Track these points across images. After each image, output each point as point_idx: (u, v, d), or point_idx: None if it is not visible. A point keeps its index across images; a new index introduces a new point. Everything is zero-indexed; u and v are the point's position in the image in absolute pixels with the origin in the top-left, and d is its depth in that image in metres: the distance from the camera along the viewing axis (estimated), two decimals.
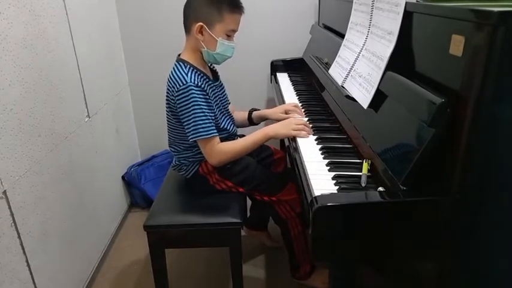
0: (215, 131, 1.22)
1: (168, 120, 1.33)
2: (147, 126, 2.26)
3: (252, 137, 1.28)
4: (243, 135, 1.38)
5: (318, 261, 1.49)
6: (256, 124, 1.58)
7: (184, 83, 1.19)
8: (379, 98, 1.01)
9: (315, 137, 1.23)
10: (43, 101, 1.28)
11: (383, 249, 0.87)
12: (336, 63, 1.35)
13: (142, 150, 2.31)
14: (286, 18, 2.05)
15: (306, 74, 1.93)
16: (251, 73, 2.13)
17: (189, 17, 1.24)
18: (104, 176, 1.80)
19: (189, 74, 1.21)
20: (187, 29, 1.26)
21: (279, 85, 1.85)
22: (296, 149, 1.18)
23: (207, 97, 1.23)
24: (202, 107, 1.20)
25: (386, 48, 1.00)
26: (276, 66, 2.06)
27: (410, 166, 0.79)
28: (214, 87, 1.32)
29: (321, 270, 1.50)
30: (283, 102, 1.62)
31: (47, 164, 1.29)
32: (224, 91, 1.42)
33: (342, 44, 1.33)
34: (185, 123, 1.22)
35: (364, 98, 1.07)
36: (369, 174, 0.96)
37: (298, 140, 1.22)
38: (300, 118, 1.39)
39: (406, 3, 0.93)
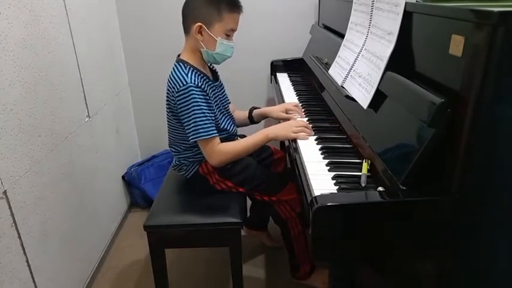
0: (215, 131, 1.22)
1: (168, 121, 1.33)
2: (147, 126, 2.26)
3: (252, 138, 1.29)
4: (244, 135, 1.38)
5: (318, 261, 1.49)
6: (257, 122, 1.58)
7: (184, 83, 1.19)
8: (378, 98, 1.01)
9: (315, 137, 1.24)
10: (43, 101, 1.28)
11: (383, 249, 0.87)
12: (336, 63, 1.35)
13: (142, 150, 2.31)
14: (286, 18, 2.05)
15: (306, 74, 1.93)
16: (251, 73, 2.13)
17: (188, 18, 1.24)
18: (104, 176, 1.80)
19: (189, 75, 1.21)
20: (187, 29, 1.26)
21: (279, 85, 1.85)
22: (296, 149, 1.18)
23: (207, 97, 1.23)
24: (202, 107, 1.20)
25: (386, 48, 1.00)
26: (276, 66, 2.06)
27: (410, 166, 0.79)
28: (214, 88, 1.32)
29: (321, 270, 1.50)
30: (283, 102, 1.62)
31: (47, 164, 1.29)
32: (224, 91, 1.42)
33: (342, 44, 1.34)
34: (185, 124, 1.22)
35: (363, 98, 1.07)
36: (369, 174, 0.96)
37: (298, 140, 1.22)
38: (300, 119, 1.39)
39: (406, 3, 0.93)
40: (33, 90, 1.22)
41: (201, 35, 1.22)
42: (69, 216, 1.43)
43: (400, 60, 0.97)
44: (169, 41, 1.89)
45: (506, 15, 0.64)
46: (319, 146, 1.17)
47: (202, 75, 1.26)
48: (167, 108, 1.29)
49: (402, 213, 0.81)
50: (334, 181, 0.97)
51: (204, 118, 1.20)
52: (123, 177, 2.06)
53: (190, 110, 1.20)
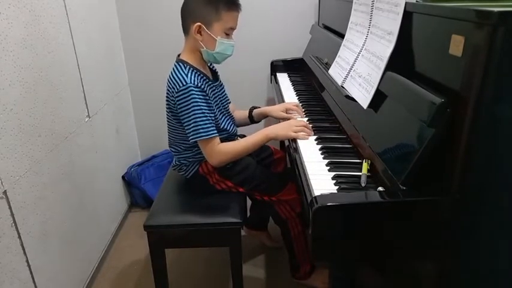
0: (215, 131, 1.22)
1: (168, 121, 1.33)
2: (147, 126, 2.26)
3: (252, 138, 1.29)
4: (244, 135, 1.38)
5: (318, 261, 1.49)
6: (257, 122, 1.58)
7: (184, 83, 1.19)
8: (378, 98, 1.01)
9: (315, 137, 1.24)
10: (43, 101, 1.28)
11: (383, 249, 0.87)
12: (336, 63, 1.35)
13: (142, 150, 2.31)
14: (286, 18, 2.05)
15: (306, 74, 1.93)
16: (251, 73, 2.13)
17: (187, 18, 1.24)
18: (104, 176, 1.80)
19: (188, 75, 1.21)
20: (186, 29, 1.26)
21: (279, 85, 1.85)
22: (296, 149, 1.18)
23: (207, 97, 1.23)
24: (202, 107, 1.20)
25: (386, 48, 1.00)
26: (276, 66, 2.06)
27: (410, 166, 0.79)
28: (214, 88, 1.32)
29: (321, 270, 1.50)
30: (283, 102, 1.62)
31: (47, 164, 1.29)
32: (224, 91, 1.42)
33: (342, 44, 1.34)
34: (185, 124, 1.22)
35: (363, 98, 1.07)
36: (369, 174, 0.96)
37: (298, 140, 1.22)
38: (301, 119, 1.39)
39: (406, 3, 0.93)
40: (33, 90, 1.22)
41: (201, 34, 1.22)
42: (69, 216, 1.43)
43: (400, 60, 0.97)
44: (169, 41, 1.89)
45: (506, 15, 0.64)
46: (319, 146, 1.17)
47: (202, 75, 1.26)
48: (167, 108, 1.29)
49: (402, 213, 0.81)
50: (334, 181, 0.97)
51: (204, 118, 1.20)
52: (123, 177, 2.06)
53: (190, 110, 1.20)
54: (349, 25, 1.31)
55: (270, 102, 2.17)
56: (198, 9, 1.21)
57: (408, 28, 0.94)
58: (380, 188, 0.88)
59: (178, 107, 1.22)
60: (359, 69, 1.16)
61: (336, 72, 1.32)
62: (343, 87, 1.22)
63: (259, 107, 1.56)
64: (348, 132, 1.20)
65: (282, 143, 1.82)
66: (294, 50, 2.07)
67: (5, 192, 1.08)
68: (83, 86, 1.58)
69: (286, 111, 1.44)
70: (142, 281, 1.62)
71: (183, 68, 1.24)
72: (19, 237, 1.14)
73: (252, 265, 1.68)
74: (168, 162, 2.13)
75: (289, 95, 1.70)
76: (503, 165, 0.75)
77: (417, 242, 0.83)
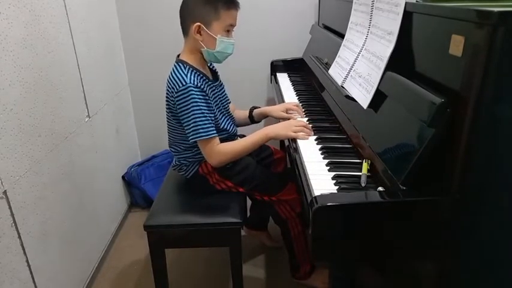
0: (215, 131, 1.22)
1: (168, 121, 1.33)
2: (147, 126, 2.26)
3: (252, 137, 1.29)
4: (244, 135, 1.38)
5: (318, 261, 1.49)
6: (258, 122, 1.58)
7: (184, 83, 1.19)
8: (379, 98, 1.01)
9: (315, 137, 1.24)
10: (43, 101, 1.28)
11: (383, 249, 0.87)
12: (336, 63, 1.35)
13: (142, 150, 2.31)
14: (286, 18, 2.05)
15: (306, 74, 1.93)
16: (251, 73, 2.13)
17: (186, 19, 1.24)
18: (104, 176, 1.80)
19: (188, 75, 1.21)
20: (185, 30, 1.26)
21: (279, 85, 1.85)
22: (296, 149, 1.18)
23: (207, 98, 1.23)
24: (201, 107, 1.20)
25: (386, 48, 1.00)
26: (276, 66, 2.06)
27: (410, 166, 0.79)
28: (214, 88, 1.32)
29: (321, 270, 1.50)
30: (283, 102, 1.62)
31: (47, 164, 1.29)
32: (224, 91, 1.42)
33: (342, 44, 1.34)
34: (185, 124, 1.22)
35: (363, 98, 1.07)
36: (369, 174, 0.96)
37: (298, 140, 1.22)
38: (301, 119, 1.39)
39: (406, 3, 0.93)
40: (33, 90, 1.22)
41: (200, 34, 1.22)
42: (69, 216, 1.43)
43: (400, 60, 0.97)
44: (169, 41, 1.89)
45: (506, 15, 0.64)
46: (319, 146, 1.17)
47: (201, 75, 1.26)
48: (167, 108, 1.29)
49: (402, 213, 0.81)
50: (334, 181, 0.97)
51: (204, 118, 1.20)
52: (123, 177, 2.06)
53: (189, 110, 1.20)
54: (349, 25, 1.31)
55: (270, 102, 2.17)
56: (197, 9, 1.21)
57: (408, 28, 0.94)
58: (380, 188, 0.88)
59: (177, 107, 1.22)
60: (359, 69, 1.16)
61: (336, 72, 1.32)
62: (343, 87, 1.22)
63: (260, 107, 1.56)
64: (348, 132, 1.20)
65: (282, 142, 1.82)
66: (294, 50, 2.07)
67: (5, 192, 1.08)
68: (83, 86, 1.58)
69: (287, 111, 1.44)
70: (142, 281, 1.62)
71: (182, 68, 1.24)
72: (19, 237, 1.14)
73: (252, 265, 1.68)
74: (168, 162, 2.13)
75: (289, 95, 1.70)
76: (503, 165, 0.75)
77: (417, 242, 0.83)
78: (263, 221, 1.76)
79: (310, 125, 1.32)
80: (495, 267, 0.86)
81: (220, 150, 1.24)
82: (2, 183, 1.07)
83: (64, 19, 1.45)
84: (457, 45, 0.74)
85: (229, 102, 1.44)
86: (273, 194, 1.35)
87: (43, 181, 1.26)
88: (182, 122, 1.23)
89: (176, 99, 1.21)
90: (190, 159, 1.34)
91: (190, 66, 1.25)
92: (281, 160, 1.62)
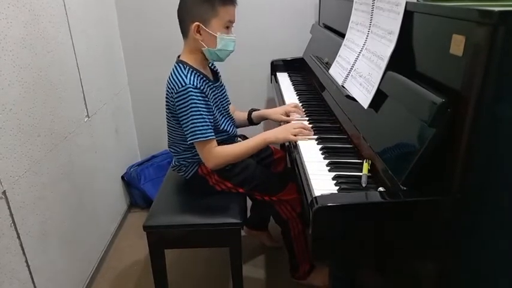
0: (212, 134, 1.22)
1: (167, 121, 1.32)
2: (146, 126, 2.26)
3: (250, 141, 1.28)
4: (244, 136, 1.38)
5: (318, 261, 1.49)
6: (256, 124, 1.58)
7: (183, 84, 1.19)
8: (379, 98, 1.01)
9: (316, 137, 1.23)
10: (42, 101, 1.27)
11: (383, 249, 0.86)
12: (336, 63, 1.35)
13: (142, 150, 2.31)
14: (287, 18, 2.04)
15: (306, 73, 1.92)
16: (251, 73, 2.13)
17: (185, 20, 1.23)
18: (104, 176, 1.80)
19: (188, 76, 1.21)
20: (185, 31, 1.25)
21: (279, 85, 1.85)
22: (296, 149, 1.18)
23: (206, 99, 1.23)
24: (200, 109, 1.19)
25: (386, 48, 1.00)
26: (276, 66, 2.06)
27: (411, 166, 0.79)
28: (214, 88, 1.32)
29: (320, 269, 1.50)
30: (283, 102, 1.62)
31: (46, 164, 1.28)
32: (225, 92, 1.41)
33: (342, 44, 1.33)
34: (183, 125, 1.22)
35: (364, 97, 1.06)
36: (369, 174, 0.96)
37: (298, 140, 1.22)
38: (301, 119, 1.39)
39: (407, 2, 0.93)
40: (33, 90, 1.22)
41: (200, 34, 1.22)
42: (68, 216, 1.43)
43: (401, 60, 0.96)
44: (169, 41, 1.88)
45: (507, 14, 0.64)
46: (320, 146, 1.17)
47: (202, 76, 1.26)
48: (166, 109, 1.29)
49: (403, 213, 0.81)
50: (335, 181, 0.97)
51: (202, 120, 1.20)
52: (122, 177, 2.06)
53: (188, 111, 1.19)
54: (350, 24, 1.30)
55: (270, 102, 2.17)
56: (194, 8, 1.20)
57: (409, 28, 0.93)
58: (381, 188, 0.88)
59: (177, 108, 1.21)
60: (360, 68, 1.16)
61: (337, 71, 1.32)
62: (343, 87, 1.21)
63: (259, 109, 1.56)
64: (349, 132, 1.20)
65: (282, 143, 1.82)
66: (294, 50, 2.07)
67: (4, 193, 1.08)
68: (82, 86, 1.57)
69: (286, 114, 1.44)
70: (142, 282, 1.62)
71: (182, 69, 1.23)
72: (18, 237, 1.13)
73: (252, 265, 1.67)
74: (168, 162, 2.12)
75: (290, 95, 1.69)
76: (503, 165, 0.75)
77: (418, 242, 0.83)
78: (263, 221, 1.76)
79: (311, 125, 1.32)
80: (496, 267, 0.85)
81: (217, 153, 1.24)
82: (1, 183, 1.06)
83: (63, 19, 1.45)
84: (457, 45, 0.73)
85: (230, 104, 1.44)
86: (274, 194, 1.35)
87: (42, 181, 1.26)
88: (181, 123, 1.23)
89: (175, 100, 1.20)
90: (189, 160, 1.34)
91: (191, 67, 1.25)
92: (281, 160, 1.62)
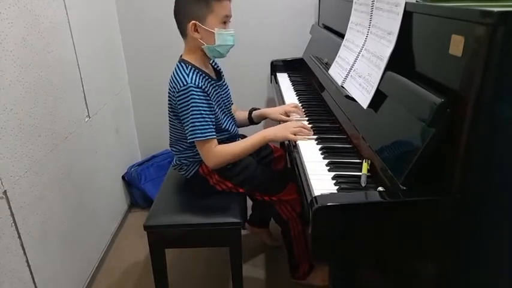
0: (213, 133, 1.22)
1: (169, 120, 1.32)
2: (147, 126, 2.26)
3: (250, 140, 1.28)
4: (243, 135, 1.38)
5: (317, 261, 1.47)
6: (257, 123, 1.58)
7: (185, 83, 1.19)
8: (379, 98, 1.01)
9: (315, 137, 1.23)
10: (43, 101, 1.28)
11: (383, 249, 0.87)
12: (336, 63, 1.35)
13: (142, 150, 2.31)
14: (286, 18, 2.04)
15: (306, 74, 1.92)
16: (251, 73, 2.13)
17: (181, 20, 1.23)
18: (104, 176, 1.80)
19: (190, 75, 1.21)
20: (183, 32, 1.26)
21: (279, 85, 1.85)
22: (296, 148, 1.18)
23: (208, 98, 1.23)
24: (201, 108, 1.20)
25: (386, 48, 1.00)
26: (276, 66, 2.06)
27: (410, 166, 0.79)
28: (217, 87, 1.32)
29: (320, 268, 1.50)
30: (283, 102, 1.62)
31: (47, 164, 1.29)
32: (227, 91, 1.41)
33: (342, 44, 1.34)
34: (185, 124, 1.23)
35: (363, 98, 1.07)
36: (369, 174, 0.96)
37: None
38: (301, 119, 1.39)
39: (406, 3, 0.93)
40: (33, 90, 1.22)
41: (198, 32, 1.22)
42: (69, 216, 1.43)
43: (400, 60, 0.97)
44: (169, 41, 1.88)
45: (506, 15, 0.64)
46: (319, 146, 1.17)
47: (204, 75, 1.26)
48: (169, 107, 1.29)
49: (402, 213, 0.81)
50: (334, 181, 0.97)
51: (202, 119, 1.20)
52: (123, 177, 2.06)
53: (189, 110, 1.20)
54: (349, 25, 1.31)
55: (270, 102, 2.17)
56: (189, 7, 1.20)
57: (408, 28, 0.94)
58: (380, 188, 0.88)
59: (178, 107, 1.22)
60: (359, 69, 1.16)
61: (336, 72, 1.32)
62: (343, 87, 1.22)
63: (259, 109, 1.56)
64: (348, 132, 1.20)
65: (281, 142, 1.82)
66: (294, 50, 2.07)
67: (5, 192, 1.08)
68: (82, 86, 1.58)
69: (286, 114, 1.44)
70: (142, 281, 1.62)
71: (184, 68, 1.23)
72: (19, 237, 1.14)
73: (252, 265, 1.68)
74: (168, 162, 2.13)
75: (289, 95, 1.70)
76: (503, 165, 0.75)
77: (418, 242, 0.83)
78: (265, 219, 1.76)
79: (310, 125, 1.32)
80: (495, 267, 0.86)
81: (217, 152, 1.24)
82: (2, 183, 1.07)
83: (64, 19, 1.45)
84: (457, 45, 0.74)
85: (232, 103, 1.44)
86: (274, 194, 1.35)
87: (43, 181, 1.26)
88: (182, 122, 1.23)
89: (177, 99, 1.21)
90: (190, 159, 1.34)
91: (193, 65, 1.25)
92: (281, 158, 1.63)
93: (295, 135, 1.24)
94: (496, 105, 0.70)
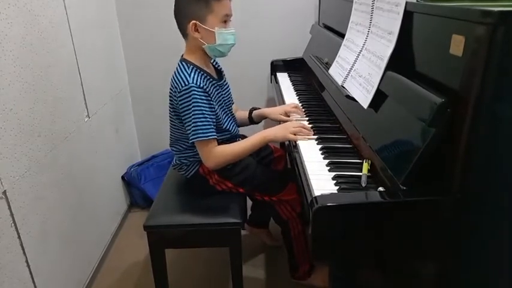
0: (214, 133, 1.22)
1: (170, 119, 1.32)
2: (147, 126, 2.26)
3: (250, 140, 1.28)
4: (243, 135, 1.38)
5: (317, 261, 1.48)
6: (257, 123, 1.58)
7: (186, 83, 1.19)
8: (379, 98, 1.01)
9: (315, 137, 1.23)
10: (43, 101, 1.28)
11: (383, 249, 0.86)
12: (336, 63, 1.35)
13: (142, 150, 2.31)
14: (286, 18, 2.04)
15: (306, 74, 1.92)
16: (251, 73, 2.13)
17: (181, 20, 1.23)
18: (104, 176, 1.80)
19: (191, 75, 1.21)
20: (184, 32, 1.25)
21: (279, 85, 1.85)
22: (296, 148, 1.18)
23: (209, 98, 1.23)
24: (202, 108, 1.19)
25: (386, 48, 1.00)
26: (276, 66, 2.06)
27: (411, 166, 0.79)
28: (218, 87, 1.32)
29: (321, 269, 1.50)
30: (283, 102, 1.62)
31: (46, 164, 1.28)
32: (229, 91, 1.41)
33: (342, 44, 1.33)
34: (186, 124, 1.22)
35: (364, 98, 1.06)
36: (369, 174, 0.96)
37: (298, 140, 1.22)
38: (301, 119, 1.39)
39: (406, 3, 0.93)
40: (33, 90, 1.22)
41: (198, 32, 1.22)
42: (68, 216, 1.43)
43: (401, 60, 0.97)
44: (169, 41, 1.88)
45: (507, 14, 0.64)
46: (320, 146, 1.17)
47: (205, 74, 1.26)
48: (170, 107, 1.29)
49: (403, 213, 0.81)
50: (335, 181, 0.97)
51: (204, 119, 1.20)
52: (122, 177, 2.06)
53: (190, 110, 1.19)
54: (350, 25, 1.31)
55: (270, 102, 2.17)
56: (189, 7, 1.20)
57: (409, 28, 0.94)
58: (380, 188, 0.88)
59: (180, 107, 1.22)
60: (359, 69, 1.16)
61: (336, 72, 1.32)
62: (343, 87, 1.22)
63: (259, 108, 1.56)
64: (348, 132, 1.20)
65: (281, 142, 1.82)
66: (294, 50, 2.07)
67: (4, 192, 1.08)
68: (82, 86, 1.57)
69: (286, 114, 1.44)
70: (142, 281, 1.62)
71: (186, 67, 1.23)
72: (19, 237, 1.14)
73: (252, 265, 1.68)
74: (168, 162, 2.12)
75: (289, 95, 1.69)
76: (503, 165, 0.75)
77: (418, 242, 0.83)
78: (264, 220, 1.76)
79: (310, 125, 1.32)
80: (495, 267, 0.86)
81: (218, 153, 1.24)
82: (1, 183, 1.07)
83: (63, 19, 1.45)
84: (457, 45, 0.74)
85: (233, 103, 1.44)
86: (274, 194, 1.35)
87: (43, 181, 1.26)
88: (183, 122, 1.23)
89: (179, 99, 1.20)
90: (191, 159, 1.34)
91: (194, 65, 1.24)
92: (281, 158, 1.62)
93: (295, 135, 1.24)
94: (496, 105, 0.70)
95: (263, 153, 1.53)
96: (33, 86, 1.22)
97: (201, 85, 1.20)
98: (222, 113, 1.32)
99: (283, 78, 1.96)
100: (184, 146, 1.33)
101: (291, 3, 2.01)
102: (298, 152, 1.15)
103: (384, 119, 0.98)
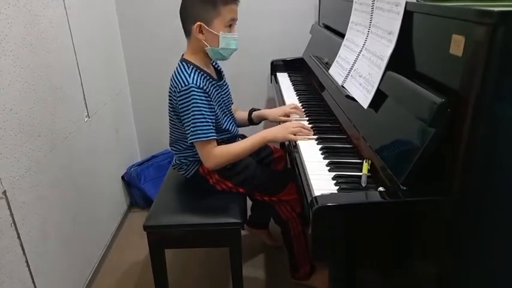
0: (214, 134, 1.22)
1: (170, 119, 1.32)
2: (147, 126, 2.26)
3: (249, 140, 1.28)
4: (243, 135, 1.38)
5: (317, 261, 1.49)
6: (256, 124, 1.58)
7: (186, 83, 1.19)
8: (379, 98, 1.01)
9: (315, 137, 1.23)
10: (43, 101, 1.28)
11: (383, 249, 0.86)
12: (336, 63, 1.35)
13: (142, 150, 2.31)
14: (286, 18, 2.04)
15: (306, 74, 1.92)
16: (251, 73, 2.13)
17: (187, 20, 1.23)
18: (104, 176, 1.80)
19: (191, 75, 1.21)
20: (187, 31, 1.25)
21: (279, 85, 1.85)
22: (296, 148, 1.18)
23: (209, 99, 1.23)
24: (202, 109, 1.19)
25: (386, 48, 1.00)
26: (276, 66, 2.06)
27: (411, 166, 0.79)
28: (218, 87, 1.32)
29: (321, 271, 1.50)
30: (283, 102, 1.62)
31: (46, 164, 1.28)
32: (228, 91, 1.41)
33: (342, 44, 1.33)
34: (185, 125, 1.22)
35: (364, 97, 1.06)
36: (369, 174, 0.96)
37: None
38: (300, 119, 1.39)
39: (407, 3, 0.93)
40: (33, 90, 1.22)
41: (202, 33, 1.22)
42: (68, 216, 1.43)
43: (401, 60, 0.96)
44: (169, 41, 1.89)
45: (507, 14, 0.64)
46: (320, 146, 1.17)
47: (205, 75, 1.26)
48: (169, 106, 1.29)
49: (403, 213, 0.81)
50: (335, 181, 0.97)
51: (203, 120, 1.20)
52: (122, 177, 2.06)
53: (190, 111, 1.19)
54: (350, 25, 1.31)
55: (270, 102, 2.17)
56: (196, 9, 1.20)
57: (409, 28, 0.93)
58: (380, 188, 0.88)
59: (179, 107, 1.21)
60: (359, 69, 1.16)
61: (336, 72, 1.32)
62: (343, 87, 1.22)
63: (259, 109, 1.56)
64: (348, 132, 1.20)
65: (281, 142, 1.82)
66: (294, 50, 2.07)
67: (4, 193, 1.08)
68: (82, 86, 1.57)
69: (286, 115, 1.44)
70: (142, 281, 1.62)
71: (186, 67, 1.23)
72: (18, 237, 1.14)
73: (252, 265, 1.68)
74: (168, 162, 2.12)
75: (289, 95, 1.69)
76: (503, 165, 0.75)
77: (418, 242, 0.83)
78: (264, 220, 1.76)
79: (310, 125, 1.32)
80: (496, 267, 0.85)
81: (217, 153, 1.24)
82: (1, 183, 1.07)
83: (63, 19, 1.45)
84: (457, 45, 0.74)
85: (232, 103, 1.44)
86: (274, 194, 1.35)
87: (43, 181, 1.26)
88: (183, 122, 1.23)
89: (178, 99, 1.20)
90: (190, 159, 1.34)
91: (194, 65, 1.24)
92: (281, 158, 1.62)
93: (295, 135, 1.24)
94: (496, 105, 0.70)
95: (263, 153, 1.53)
96: (33, 86, 1.22)
97: (201, 85, 1.20)
98: (222, 113, 1.32)
99: (283, 78, 1.96)
100: (184, 146, 1.33)
101: (291, 3, 2.02)
102: (298, 152, 1.15)
103: (384, 119, 0.98)
